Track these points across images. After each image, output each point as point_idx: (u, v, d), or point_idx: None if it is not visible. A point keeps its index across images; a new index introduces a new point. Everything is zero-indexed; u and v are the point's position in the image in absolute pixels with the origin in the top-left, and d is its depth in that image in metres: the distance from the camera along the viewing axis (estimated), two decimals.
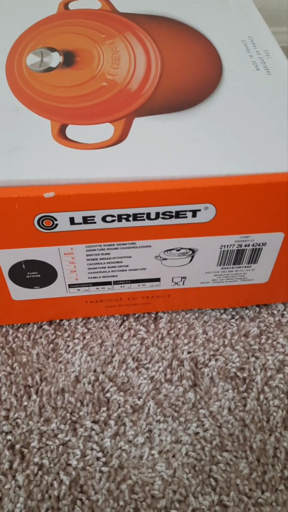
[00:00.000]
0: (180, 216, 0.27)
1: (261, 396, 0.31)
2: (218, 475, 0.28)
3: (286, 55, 0.58)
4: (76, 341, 0.34)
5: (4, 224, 0.27)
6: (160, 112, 0.30)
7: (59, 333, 0.34)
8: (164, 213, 0.27)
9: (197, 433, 0.30)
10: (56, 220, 0.27)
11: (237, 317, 0.36)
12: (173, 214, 0.27)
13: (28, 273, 0.30)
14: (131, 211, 0.27)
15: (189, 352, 0.33)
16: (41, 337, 0.34)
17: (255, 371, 0.33)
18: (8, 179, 0.25)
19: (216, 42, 0.36)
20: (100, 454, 0.29)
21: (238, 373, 0.33)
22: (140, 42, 0.35)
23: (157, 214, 0.27)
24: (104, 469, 0.28)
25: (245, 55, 0.35)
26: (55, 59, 0.33)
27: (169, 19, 0.38)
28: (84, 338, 0.34)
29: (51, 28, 0.36)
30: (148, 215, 0.27)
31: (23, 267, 0.29)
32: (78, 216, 0.27)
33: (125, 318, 0.35)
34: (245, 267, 0.32)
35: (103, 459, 0.29)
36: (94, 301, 0.33)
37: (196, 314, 0.36)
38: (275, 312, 0.36)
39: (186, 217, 0.27)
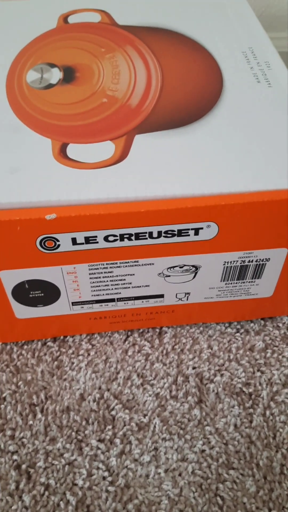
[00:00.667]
0: (183, 234, 0.27)
1: (267, 412, 0.31)
2: (225, 493, 0.28)
3: (286, 60, 0.57)
4: (80, 357, 0.33)
5: (7, 246, 0.26)
6: (161, 129, 0.29)
7: (64, 350, 0.34)
8: (166, 232, 0.27)
9: (203, 451, 0.30)
10: (58, 241, 0.27)
11: (242, 330, 0.35)
12: (175, 232, 0.27)
13: (31, 292, 0.30)
14: (133, 230, 0.27)
15: (194, 368, 0.33)
16: (45, 354, 0.34)
17: (261, 386, 0.32)
18: (9, 201, 0.25)
19: (216, 54, 0.35)
20: (106, 473, 0.29)
21: (244, 389, 0.32)
22: (140, 56, 0.35)
23: (159, 233, 0.27)
24: (111, 488, 0.28)
25: (245, 67, 0.34)
26: (55, 75, 0.33)
27: (169, 31, 0.38)
28: (89, 354, 0.34)
29: (51, 43, 0.36)
30: (150, 234, 0.27)
31: (26, 286, 0.29)
32: (80, 236, 0.26)
33: (129, 333, 0.35)
34: (249, 282, 0.31)
35: (109, 478, 0.29)
36: (98, 317, 0.33)
37: (201, 328, 0.35)
38: (280, 325, 0.36)
39: (189, 235, 0.27)
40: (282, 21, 0.55)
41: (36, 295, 0.30)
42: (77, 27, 0.38)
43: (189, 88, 0.32)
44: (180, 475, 0.29)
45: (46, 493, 0.28)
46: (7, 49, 0.35)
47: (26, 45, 0.36)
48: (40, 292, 0.30)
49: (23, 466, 0.29)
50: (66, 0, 0.41)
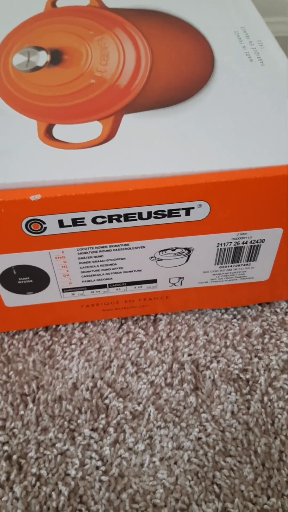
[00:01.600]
0: (173, 214, 0.26)
1: (265, 398, 0.30)
2: (222, 481, 0.27)
3: (285, 45, 0.56)
4: (73, 346, 0.33)
5: None
6: (150, 108, 0.29)
7: (56, 339, 0.33)
8: (156, 212, 0.26)
9: (199, 439, 0.29)
10: (44, 223, 0.26)
11: (239, 316, 0.35)
12: (166, 213, 0.26)
13: (19, 279, 0.29)
14: (122, 211, 0.26)
15: (189, 355, 0.32)
16: (37, 343, 0.33)
17: (259, 372, 0.32)
18: None
19: (207, 34, 0.34)
20: (99, 463, 0.28)
21: (241, 375, 0.31)
22: (130, 37, 0.34)
23: (149, 214, 0.26)
24: (104, 478, 0.28)
25: (237, 46, 0.33)
26: (42, 58, 0.32)
27: (159, 13, 0.37)
28: (82, 343, 0.33)
29: (38, 27, 0.35)
30: (140, 214, 0.26)
31: (14, 272, 0.29)
32: (67, 218, 0.26)
33: (123, 321, 0.34)
34: (244, 265, 0.31)
35: (103, 468, 0.28)
36: (90, 305, 0.32)
37: (197, 315, 0.35)
38: (278, 310, 0.35)
39: (180, 215, 0.26)
40: (280, 5, 0.54)
41: (24, 281, 0.29)
42: (65, 11, 0.37)
43: (179, 68, 0.31)
44: (175, 463, 0.28)
45: (38, 483, 0.27)
46: None
47: (13, 30, 0.35)
48: (29, 279, 0.29)
49: (14, 457, 0.28)
50: None
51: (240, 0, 0.39)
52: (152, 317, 0.34)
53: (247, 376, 0.31)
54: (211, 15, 0.36)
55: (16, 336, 0.33)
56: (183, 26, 0.35)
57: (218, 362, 0.32)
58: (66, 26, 0.35)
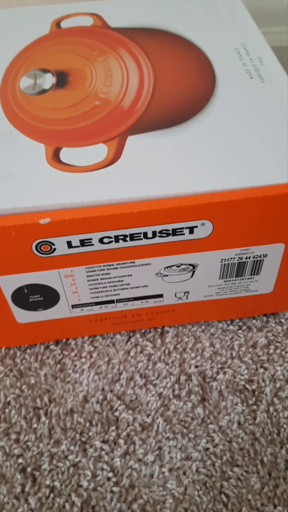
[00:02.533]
0: (177, 233, 0.27)
1: (271, 408, 0.31)
2: (230, 491, 0.28)
3: (286, 55, 0.57)
4: (83, 360, 0.34)
5: (3, 251, 0.27)
6: (153, 129, 0.30)
7: (66, 353, 0.34)
8: (161, 232, 0.27)
9: (207, 449, 0.30)
10: (53, 244, 0.27)
11: (244, 327, 0.35)
12: (170, 232, 0.27)
13: (30, 297, 0.30)
14: (127, 231, 0.27)
15: (196, 366, 0.33)
16: (48, 357, 0.34)
17: (264, 382, 0.32)
18: (3, 207, 0.26)
19: (208, 51, 0.35)
20: (110, 474, 0.29)
21: (247, 386, 0.32)
22: (133, 57, 0.35)
23: (154, 233, 0.27)
24: (115, 489, 0.28)
25: (238, 63, 0.34)
26: (48, 80, 0.33)
27: (161, 31, 0.38)
28: (91, 356, 0.34)
29: (44, 48, 0.36)
30: (145, 234, 0.27)
31: (25, 291, 0.30)
32: (75, 239, 0.27)
33: (131, 334, 0.35)
34: (248, 278, 0.31)
35: (114, 479, 0.29)
36: (98, 319, 0.33)
37: (203, 327, 0.35)
38: (283, 320, 0.36)
39: (184, 234, 0.27)
40: (279, 15, 0.55)
41: (35, 299, 0.30)
42: (70, 32, 0.38)
43: (182, 87, 0.32)
44: (184, 473, 0.29)
45: (52, 495, 0.28)
46: (1, 56, 0.36)
47: (20, 52, 0.36)
48: (40, 296, 0.30)
49: (28, 469, 0.29)
50: (58, 5, 0.42)
51: (240, 16, 0.39)
52: (159, 330, 0.35)
53: (253, 387, 0.32)
54: (212, 32, 0.37)
55: (28, 351, 0.34)
56: (184, 44, 0.36)
57: (224, 373, 0.33)
58: (71, 47, 0.36)
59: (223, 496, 0.28)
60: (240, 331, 0.35)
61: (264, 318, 0.36)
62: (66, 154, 0.28)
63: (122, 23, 0.39)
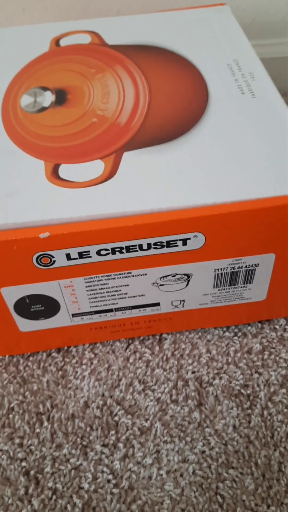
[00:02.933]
0: (171, 245, 0.28)
1: (265, 412, 0.32)
2: (225, 492, 0.29)
3: (286, 66, 0.58)
4: (84, 366, 0.35)
5: (5, 264, 0.28)
6: (148, 145, 0.31)
7: (68, 360, 0.35)
8: (155, 244, 0.28)
9: (203, 452, 0.31)
10: (53, 257, 0.28)
11: (239, 334, 0.36)
12: (164, 244, 0.28)
13: (32, 307, 0.31)
14: (123, 244, 0.28)
15: (193, 372, 0.34)
16: (50, 364, 0.35)
17: (259, 387, 0.33)
18: (5, 222, 0.27)
19: (202, 68, 0.37)
20: (110, 477, 0.30)
21: (242, 390, 0.33)
22: (129, 74, 0.37)
23: (149, 245, 0.28)
24: (115, 490, 0.30)
25: (230, 79, 0.36)
26: (48, 98, 0.35)
27: (157, 48, 0.39)
28: (92, 363, 0.35)
29: (44, 67, 0.38)
30: (140, 246, 0.28)
31: (27, 301, 0.31)
32: (74, 252, 0.28)
33: (130, 341, 0.36)
34: (241, 287, 0.33)
35: (114, 481, 0.30)
36: (98, 327, 0.34)
37: (200, 333, 0.37)
38: (277, 327, 0.37)
39: (177, 245, 0.29)
40: (273, 27, 0.56)
41: (37, 309, 0.32)
42: (68, 50, 0.40)
43: (176, 103, 0.34)
44: (181, 475, 0.30)
45: (54, 497, 0.29)
46: (3, 74, 0.37)
47: (20, 70, 0.38)
48: (41, 306, 0.32)
49: (32, 472, 0.30)
50: (58, 24, 0.43)
51: (233, 32, 0.41)
52: (157, 337, 0.37)
53: (248, 392, 0.33)
54: (205, 48, 0.39)
55: (31, 358, 0.36)
56: (178, 61, 0.38)
57: (220, 378, 0.34)
58: (70, 65, 0.38)
59: (218, 497, 0.29)
60: (236, 338, 0.36)
61: (259, 325, 0.37)
62: (65, 171, 0.30)
63: (119, 40, 0.40)
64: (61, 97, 0.35)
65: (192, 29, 0.41)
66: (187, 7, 0.51)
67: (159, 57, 0.38)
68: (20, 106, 0.34)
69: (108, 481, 0.30)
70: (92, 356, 0.36)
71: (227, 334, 0.36)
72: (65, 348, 0.36)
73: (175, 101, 0.34)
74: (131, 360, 0.35)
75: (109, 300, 0.32)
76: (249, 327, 0.37)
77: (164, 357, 0.35)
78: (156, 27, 0.42)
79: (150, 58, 0.38)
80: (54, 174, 0.29)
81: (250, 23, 0.54)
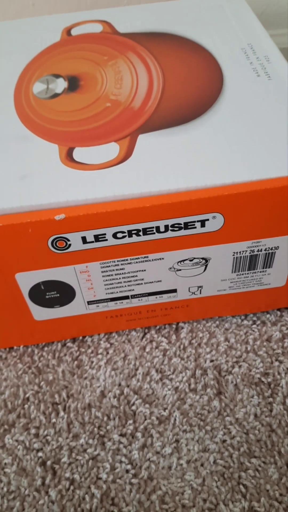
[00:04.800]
0: (189, 227, 0.28)
1: (287, 400, 0.31)
2: (248, 481, 0.28)
3: (286, 56, 0.58)
4: (99, 356, 0.34)
5: (20, 248, 0.28)
6: (163, 127, 0.30)
7: (83, 350, 0.35)
8: (173, 226, 0.28)
9: (224, 441, 0.30)
10: (69, 240, 0.28)
11: (258, 322, 0.36)
12: (182, 225, 0.28)
13: (47, 293, 0.31)
14: (140, 226, 0.27)
15: (211, 361, 0.34)
16: (65, 354, 0.35)
17: (280, 375, 0.33)
18: (20, 205, 0.26)
19: (215, 52, 0.36)
20: (129, 467, 0.29)
21: (263, 379, 0.32)
22: (142, 60, 0.36)
23: (166, 227, 0.28)
24: (134, 481, 0.29)
25: (245, 62, 0.35)
26: (60, 85, 0.34)
27: (168, 35, 0.39)
28: (108, 353, 0.34)
29: (56, 55, 0.38)
30: (158, 228, 0.28)
31: (42, 288, 0.30)
32: (89, 235, 0.27)
33: (146, 330, 0.36)
34: (260, 272, 0.32)
35: (132, 471, 0.29)
36: (114, 316, 0.34)
37: (217, 322, 0.36)
38: None
39: (195, 227, 0.28)
40: (283, 18, 0.55)
41: (52, 296, 0.31)
42: (80, 39, 0.39)
43: (190, 87, 0.33)
44: (202, 465, 0.29)
45: (72, 487, 0.29)
46: (14, 64, 0.37)
47: (32, 59, 0.38)
48: (56, 293, 0.31)
49: (48, 463, 0.30)
50: (69, 14, 0.43)
51: (246, 18, 0.40)
52: (174, 326, 0.36)
53: (269, 380, 0.32)
54: (218, 34, 0.38)
55: (46, 348, 0.35)
56: (191, 46, 0.37)
57: (239, 367, 0.33)
58: (82, 53, 0.37)
59: (241, 486, 0.28)
60: (255, 326, 0.35)
61: (278, 313, 0.36)
62: (79, 154, 0.29)
63: (130, 28, 0.40)
64: (73, 83, 0.34)
65: (204, 16, 0.40)
66: None
67: (171, 43, 0.38)
68: (33, 93, 0.34)
69: (127, 471, 0.29)
70: (108, 345, 0.35)
71: (245, 322, 0.36)
72: (80, 338, 0.36)
73: (190, 84, 0.33)
74: (147, 349, 0.34)
75: (125, 286, 0.31)
76: (267, 315, 0.36)
77: (181, 346, 0.35)
78: (168, 15, 0.41)
79: (162, 44, 0.38)
80: (68, 157, 0.29)
81: (262, 13, 0.54)
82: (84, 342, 0.35)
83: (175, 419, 0.31)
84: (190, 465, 0.29)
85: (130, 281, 0.31)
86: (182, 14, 0.41)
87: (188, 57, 0.36)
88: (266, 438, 0.30)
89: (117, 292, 0.32)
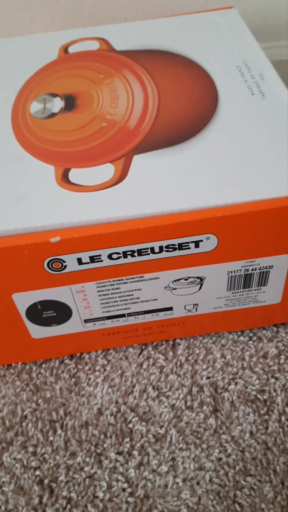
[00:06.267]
0: (183, 247, 0.28)
1: (283, 418, 0.31)
2: (243, 500, 0.28)
3: (286, 68, 0.58)
4: (97, 373, 0.35)
5: (17, 269, 0.28)
6: (158, 147, 0.31)
7: (80, 367, 0.35)
8: (167, 246, 0.28)
9: (220, 459, 0.30)
10: (64, 261, 0.28)
11: (254, 338, 0.36)
12: (176, 246, 0.28)
13: (44, 313, 0.31)
14: (135, 247, 0.28)
15: (208, 377, 0.34)
16: (63, 371, 0.35)
17: (276, 392, 0.33)
18: (15, 227, 0.27)
19: (210, 70, 0.36)
20: (125, 485, 0.30)
21: (259, 396, 0.33)
22: (137, 78, 0.37)
23: (161, 248, 0.28)
24: (130, 499, 0.29)
25: (240, 80, 0.35)
26: (57, 104, 0.35)
27: (164, 52, 0.39)
28: (105, 370, 0.35)
29: (53, 73, 0.38)
30: (152, 249, 0.28)
31: (39, 307, 0.31)
32: (85, 256, 0.28)
33: (143, 347, 0.36)
34: (256, 290, 0.32)
35: (129, 490, 0.29)
36: (111, 333, 0.34)
37: (214, 338, 0.36)
38: None
39: (189, 248, 0.28)
40: (282, 30, 0.56)
41: (49, 315, 0.31)
42: (77, 56, 0.40)
43: (185, 106, 0.33)
44: (198, 483, 0.29)
45: (68, 506, 0.29)
46: (12, 83, 0.37)
47: (29, 78, 0.38)
48: (53, 312, 0.31)
49: (46, 481, 0.30)
50: (66, 31, 0.43)
51: (241, 34, 0.40)
52: (171, 342, 0.36)
53: (265, 397, 0.33)
54: (213, 51, 0.38)
55: (43, 365, 0.35)
56: (186, 63, 0.37)
57: (236, 384, 0.33)
58: (78, 71, 0.38)
59: (236, 505, 0.28)
60: (251, 342, 0.36)
61: (274, 329, 0.36)
62: (75, 175, 0.29)
63: (126, 46, 0.40)
64: (70, 102, 0.35)
65: (199, 32, 0.41)
66: (195, 11, 0.50)
67: (167, 60, 0.38)
68: (30, 112, 0.34)
69: (123, 489, 0.29)
70: (105, 362, 0.35)
71: (241, 338, 0.36)
72: (78, 354, 0.36)
73: (185, 103, 0.34)
74: (144, 366, 0.35)
75: (121, 305, 0.32)
76: (264, 331, 0.36)
77: (178, 363, 0.35)
78: (163, 31, 0.42)
79: (158, 62, 0.38)
80: (64, 179, 0.29)
81: (258, 26, 0.54)
82: (81, 359, 0.36)
83: (171, 437, 0.31)
84: (186, 483, 0.29)
85: (126, 300, 0.31)
86: (178, 31, 0.41)
87: (183, 75, 0.36)
88: (262, 456, 0.30)
89: (113, 310, 0.32)
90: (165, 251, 0.28)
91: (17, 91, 0.37)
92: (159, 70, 0.37)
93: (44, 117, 0.34)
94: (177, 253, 0.28)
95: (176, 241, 0.28)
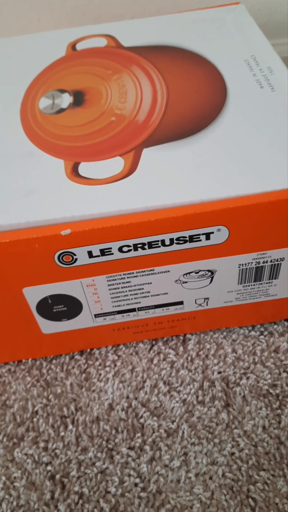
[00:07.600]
0: (194, 240, 0.28)
1: None
2: (257, 494, 0.28)
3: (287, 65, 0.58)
4: (107, 369, 0.34)
5: (27, 263, 0.28)
6: (167, 141, 0.30)
7: (91, 362, 0.35)
8: (178, 239, 0.28)
9: (232, 454, 0.30)
10: (75, 255, 0.28)
11: (266, 333, 0.36)
12: (187, 238, 0.28)
13: (54, 307, 0.31)
14: (145, 239, 0.27)
15: (219, 372, 0.34)
16: (73, 367, 0.35)
17: None
18: (26, 221, 0.27)
19: (219, 64, 0.36)
20: (137, 480, 0.29)
21: (271, 390, 0.32)
22: (146, 74, 0.36)
23: (171, 240, 0.28)
24: (143, 494, 0.29)
25: (248, 74, 0.35)
26: (66, 100, 0.35)
27: (172, 48, 0.39)
28: (115, 365, 0.35)
29: (61, 70, 0.38)
30: (163, 241, 0.28)
31: (49, 301, 0.31)
32: (95, 249, 0.28)
33: (154, 342, 0.36)
34: (267, 283, 0.32)
35: (141, 485, 0.29)
36: (121, 328, 0.34)
37: (224, 333, 0.36)
38: None
39: (200, 240, 0.28)
40: (282, 27, 0.56)
41: (59, 309, 0.31)
42: (85, 53, 0.40)
43: (194, 99, 0.33)
44: (210, 478, 0.29)
45: (80, 501, 0.29)
46: (20, 80, 0.38)
47: (38, 75, 0.38)
48: (63, 306, 0.31)
49: (57, 476, 0.30)
50: (74, 29, 0.44)
51: (249, 29, 0.40)
52: (181, 337, 0.36)
53: (277, 391, 0.32)
54: (221, 46, 0.38)
55: (54, 361, 0.35)
56: (194, 58, 0.37)
57: (247, 378, 0.33)
58: (86, 67, 0.38)
59: (250, 500, 0.28)
60: (262, 337, 0.35)
61: (286, 323, 0.36)
62: (85, 168, 0.29)
63: (134, 42, 0.40)
64: (78, 98, 0.35)
65: (207, 28, 0.41)
66: (201, 8, 0.50)
67: (175, 56, 0.38)
68: (39, 108, 0.35)
69: (136, 484, 0.29)
70: (116, 358, 0.35)
71: (252, 333, 0.36)
72: (88, 350, 0.36)
73: (193, 97, 0.34)
74: (155, 362, 0.34)
75: (131, 299, 0.31)
76: (275, 326, 0.36)
77: (189, 358, 0.35)
78: (170, 27, 0.42)
79: (166, 57, 0.38)
80: (74, 172, 0.29)
81: (265, 22, 0.54)
82: (92, 355, 0.35)
83: (183, 432, 0.31)
84: (198, 478, 0.29)
85: (136, 294, 0.31)
86: (185, 26, 0.41)
87: (192, 70, 0.36)
88: (275, 450, 0.30)
89: (123, 305, 0.32)
90: (176, 243, 0.28)
91: (26, 88, 0.37)
92: (167, 65, 0.37)
93: (53, 112, 0.34)
94: (188, 245, 0.28)
95: (187, 233, 0.27)
